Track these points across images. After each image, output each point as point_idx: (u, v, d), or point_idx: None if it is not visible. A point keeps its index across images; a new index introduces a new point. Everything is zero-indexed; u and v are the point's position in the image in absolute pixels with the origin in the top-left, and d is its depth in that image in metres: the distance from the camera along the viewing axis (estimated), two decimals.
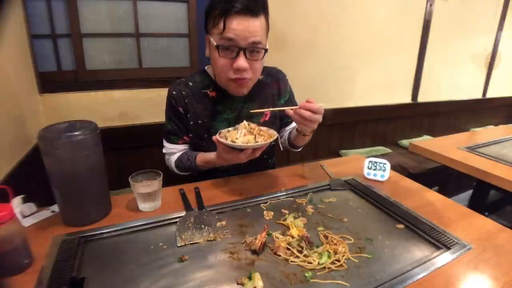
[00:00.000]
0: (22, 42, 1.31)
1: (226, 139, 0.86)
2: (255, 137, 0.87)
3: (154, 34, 1.67)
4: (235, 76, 0.91)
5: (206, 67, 1.08)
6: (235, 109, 1.05)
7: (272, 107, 1.08)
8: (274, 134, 0.89)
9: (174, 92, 1.02)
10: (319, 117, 0.86)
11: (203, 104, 1.03)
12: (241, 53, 0.87)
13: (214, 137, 0.86)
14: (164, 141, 1.10)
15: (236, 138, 0.86)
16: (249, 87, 0.99)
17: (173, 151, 1.09)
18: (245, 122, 0.91)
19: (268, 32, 0.94)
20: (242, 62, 0.87)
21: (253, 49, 0.88)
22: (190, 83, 1.04)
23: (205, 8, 0.91)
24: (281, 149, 1.01)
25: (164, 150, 1.11)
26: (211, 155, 0.96)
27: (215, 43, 0.88)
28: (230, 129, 0.93)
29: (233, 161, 0.88)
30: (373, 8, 2.19)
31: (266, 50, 0.92)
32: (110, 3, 1.54)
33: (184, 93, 1.02)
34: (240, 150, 0.85)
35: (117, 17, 1.57)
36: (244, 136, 0.87)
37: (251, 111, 0.99)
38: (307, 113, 0.83)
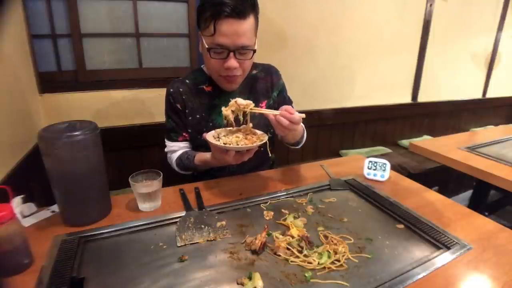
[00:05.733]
0: (22, 42, 1.31)
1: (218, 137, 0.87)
2: (239, 139, 0.86)
3: (154, 34, 1.67)
4: (226, 74, 0.96)
5: (202, 66, 1.11)
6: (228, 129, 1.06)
7: (266, 100, 1.12)
8: (263, 139, 0.88)
9: (171, 90, 1.06)
10: (296, 127, 0.85)
11: (200, 99, 1.06)
12: (231, 54, 0.91)
13: (204, 134, 0.88)
14: (165, 140, 1.12)
15: (219, 138, 0.86)
16: (239, 82, 1.03)
17: (174, 148, 1.10)
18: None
19: (257, 27, 0.96)
20: (232, 62, 0.91)
21: (242, 51, 0.92)
22: (187, 81, 1.08)
23: (197, 7, 0.93)
24: (269, 155, 0.98)
25: (166, 149, 1.13)
26: (208, 155, 0.97)
27: (206, 45, 0.91)
28: (231, 129, 0.93)
29: (223, 162, 0.89)
30: (373, 8, 2.19)
31: (254, 51, 0.95)
32: (110, 3, 1.54)
33: (181, 90, 1.05)
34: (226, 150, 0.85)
35: (117, 17, 1.57)
36: (234, 137, 0.87)
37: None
38: (285, 122, 0.83)
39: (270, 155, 0.96)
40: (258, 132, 0.93)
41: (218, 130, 0.93)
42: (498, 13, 2.92)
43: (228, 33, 0.87)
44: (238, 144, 0.85)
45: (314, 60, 2.09)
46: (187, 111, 1.06)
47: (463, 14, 2.66)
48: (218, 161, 0.92)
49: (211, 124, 1.06)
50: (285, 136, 1.03)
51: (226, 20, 0.86)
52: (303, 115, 0.85)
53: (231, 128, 0.93)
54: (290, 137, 1.02)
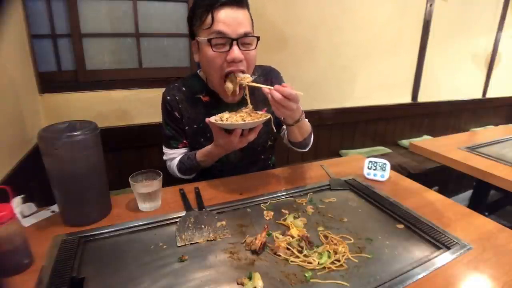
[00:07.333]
0: (22, 42, 1.31)
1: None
2: (244, 116, 0.85)
3: (154, 34, 1.67)
4: (229, 69, 0.87)
5: (198, 71, 1.07)
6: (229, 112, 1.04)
7: (266, 108, 1.07)
8: (266, 115, 0.86)
9: (168, 98, 1.02)
10: (291, 104, 0.79)
11: (197, 109, 1.02)
12: (234, 43, 0.84)
13: (207, 119, 0.85)
14: (164, 147, 1.09)
15: (224, 119, 0.85)
16: (241, 93, 0.98)
17: (174, 156, 1.08)
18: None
19: (253, 25, 0.93)
20: (236, 52, 0.84)
21: (245, 40, 0.87)
22: (183, 88, 1.03)
23: (187, 15, 0.91)
24: (273, 130, 0.93)
25: (164, 157, 1.10)
26: (209, 147, 0.95)
27: (205, 39, 0.86)
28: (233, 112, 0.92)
29: (228, 146, 0.86)
30: (373, 9, 2.19)
31: (258, 38, 0.89)
32: (110, 3, 1.54)
33: (177, 98, 1.02)
34: (230, 132, 0.84)
35: (117, 17, 1.57)
36: (238, 117, 0.86)
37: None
38: (277, 96, 0.77)
39: (274, 130, 0.93)
40: (260, 112, 0.91)
41: (220, 114, 0.90)
42: (498, 13, 2.92)
43: (228, 21, 0.83)
44: (244, 121, 0.82)
45: (314, 61, 2.09)
46: (184, 120, 1.03)
47: (463, 14, 2.66)
48: (222, 148, 0.89)
49: (208, 134, 1.00)
50: (291, 133, 0.99)
51: (223, 8, 0.83)
52: (301, 93, 0.80)
53: (233, 112, 0.91)
54: (297, 131, 0.97)
